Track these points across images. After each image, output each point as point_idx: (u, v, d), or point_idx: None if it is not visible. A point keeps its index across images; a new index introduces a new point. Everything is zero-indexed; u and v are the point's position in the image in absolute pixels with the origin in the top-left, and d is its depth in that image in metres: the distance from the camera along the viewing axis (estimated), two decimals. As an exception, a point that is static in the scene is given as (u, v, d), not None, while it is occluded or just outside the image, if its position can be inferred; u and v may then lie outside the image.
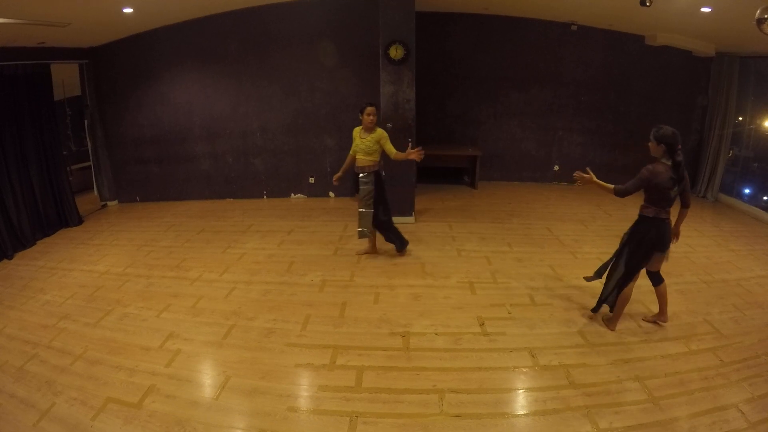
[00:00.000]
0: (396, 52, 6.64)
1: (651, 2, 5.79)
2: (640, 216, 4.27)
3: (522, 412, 3.48)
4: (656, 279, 4.48)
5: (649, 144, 4.09)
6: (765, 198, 8.80)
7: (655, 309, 4.69)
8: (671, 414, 3.45)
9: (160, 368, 3.87)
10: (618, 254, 4.41)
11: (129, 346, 4.20)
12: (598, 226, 7.46)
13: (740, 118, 9.15)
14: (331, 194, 8.75)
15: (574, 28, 9.08)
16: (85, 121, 8.23)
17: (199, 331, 4.43)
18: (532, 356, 4.10)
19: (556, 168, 9.96)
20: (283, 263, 5.91)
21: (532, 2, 8.09)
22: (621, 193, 4.17)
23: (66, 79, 8.46)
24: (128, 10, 6.37)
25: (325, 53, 8.00)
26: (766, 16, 4.46)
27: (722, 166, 9.22)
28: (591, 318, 4.65)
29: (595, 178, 4.20)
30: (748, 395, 3.68)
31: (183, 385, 3.67)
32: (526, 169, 9.97)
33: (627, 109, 9.59)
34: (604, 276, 4.53)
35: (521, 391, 3.72)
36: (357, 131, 5.61)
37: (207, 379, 3.79)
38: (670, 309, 4.67)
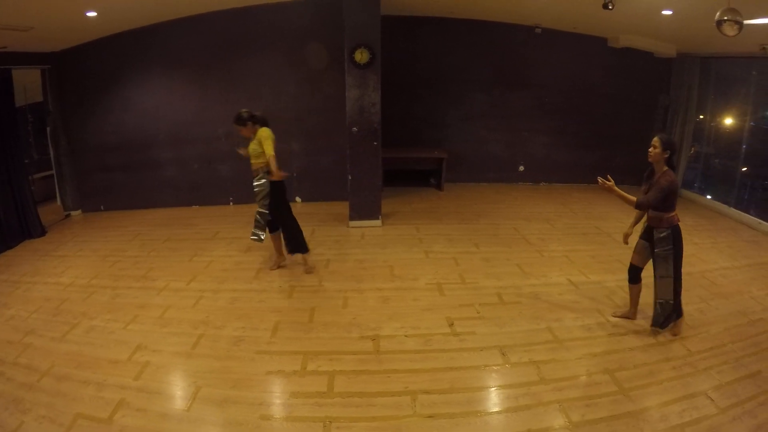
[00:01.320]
0: (361, 56, 6.65)
1: (613, 5, 5.90)
2: (675, 227, 4.22)
3: (495, 410, 3.52)
4: (640, 277, 4.56)
5: (653, 150, 4.14)
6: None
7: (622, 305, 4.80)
8: (642, 404, 3.54)
9: (129, 381, 3.79)
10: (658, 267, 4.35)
11: (97, 359, 4.11)
12: (563, 224, 7.59)
13: (701, 117, 9.38)
14: (298, 199, 8.70)
15: (538, 31, 9.22)
16: (48, 128, 8.02)
17: (168, 341, 4.36)
18: (503, 354, 4.15)
19: (521, 168, 10.08)
20: (251, 270, 5.87)
21: (496, 6, 8.19)
22: (643, 206, 4.19)
23: (28, 84, 8.26)
24: (92, 14, 6.25)
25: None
26: (726, 18, 4.57)
27: (684, 163, 9.43)
28: (675, 334, 4.53)
29: (615, 187, 4.19)
30: (716, 382, 3.81)
31: (153, 398, 3.61)
32: (492, 170, 10.08)
33: (591, 110, 9.75)
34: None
35: (493, 388, 3.77)
36: None
37: (177, 390, 3.74)
38: (630, 301, 4.77)
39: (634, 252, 4.56)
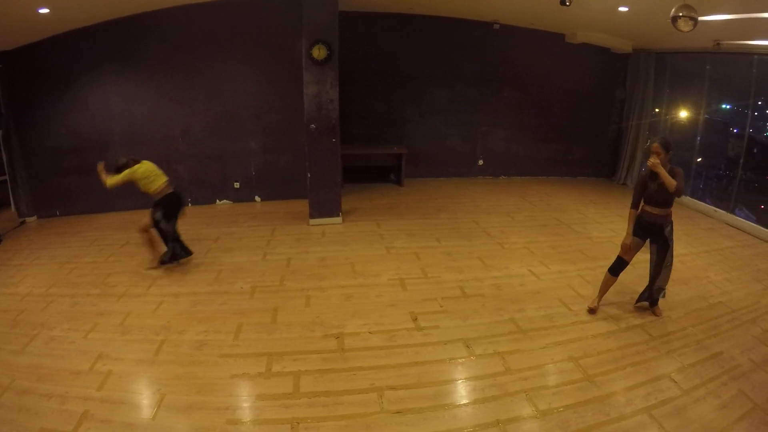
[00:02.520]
0: (319, 52, 6.63)
1: (571, 2, 5.99)
2: (671, 222, 4.55)
3: (462, 402, 3.56)
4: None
5: (658, 156, 4.26)
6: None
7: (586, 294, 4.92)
8: (607, 389, 3.63)
9: (92, 392, 3.69)
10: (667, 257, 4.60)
11: (58, 371, 3.99)
12: (523, 216, 7.71)
13: (657, 110, 9.61)
14: (257, 198, 8.65)
15: (496, 27, 9.33)
16: (0, 131, 7.78)
17: (129, 349, 4.27)
18: (467, 347, 4.19)
19: (481, 163, 10.19)
20: (211, 272, 5.79)
21: (455, 2, 8.24)
22: (679, 192, 4.28)
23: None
24: (44, 11, 6.10)
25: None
26: (681, 14, 4.69)
27: (641, 155, 9.66)
28: (657, 315, 4.80)
29: (661, 168, 4.24)
30: (679, 365, 3.95)
31: (117, 408, 3.52)
32: (452, 164, 10.17)
33: (548, 104, 9.93)
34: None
35: (459, 381, 3.81)
36: None
37: (142, 399, 3.66)
38: (598, 291, 4.91)
39: (628, 249, 4.67)
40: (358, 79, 9.14)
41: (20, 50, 7.48)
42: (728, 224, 7.65)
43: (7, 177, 7.97)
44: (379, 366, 3.92)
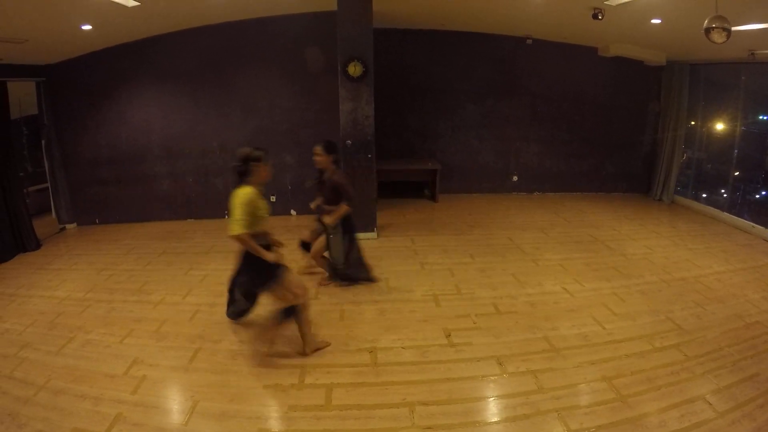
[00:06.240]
0: (354, 69, 6.68)
1: (603, 15, 5.95)
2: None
3: (493, 420, 3.52)
4: None
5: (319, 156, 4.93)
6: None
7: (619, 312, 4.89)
8: (640, 410, 3.55)
9: (126, 396, 3.76)
10: None
11: (93, 373, 4.08)
12: (557, 232, 7.63)
13: (692, 122, 9.47)
14: (293, 212, 8.72)
15: (529, 41, 9.31)
16: (42, 141, 7.98)
17: (164, 355, 4.34)
18: (500, 364, 4.15)
19: (515, 178, 10.13)
20: (247, 283, 5.84)
21: (488, 18, 8.26)
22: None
23: (23, 97, 8.31)
24: (87, 27, 6.27)
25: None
26: (714, 25, 4.62)
27: (676, 169, 9.50)
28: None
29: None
30: (714, 386, 3.84)
31: (150, 412, 3.58)
32: (485, 180, 10.13)
33: (581, 118, 9.84)
34: None
35: (491, 399, 3.78)
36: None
37: (175, 404, 3.71)
38: (633, 309, 4.90)
39: None
40: (391, 94, 9.20)
41: (63, 64, 7.73)
42: (766, 240, 7.46)
43: (48, 185, 8.20)
44: (411, 381, 3.92)
